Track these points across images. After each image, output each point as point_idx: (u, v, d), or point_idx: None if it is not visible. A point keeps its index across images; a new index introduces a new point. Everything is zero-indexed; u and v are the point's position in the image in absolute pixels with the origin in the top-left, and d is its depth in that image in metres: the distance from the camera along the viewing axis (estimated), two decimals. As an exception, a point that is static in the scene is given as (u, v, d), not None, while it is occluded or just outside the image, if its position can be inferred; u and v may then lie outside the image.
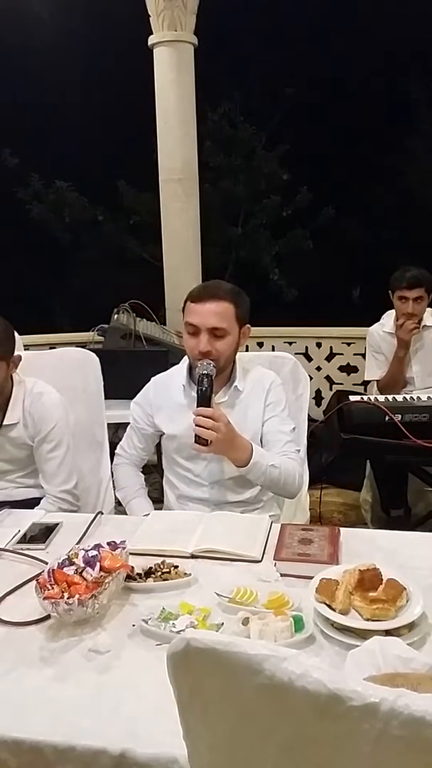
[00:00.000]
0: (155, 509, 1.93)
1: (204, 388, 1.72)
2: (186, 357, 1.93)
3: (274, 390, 1.92)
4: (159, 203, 4.89)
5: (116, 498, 2.11)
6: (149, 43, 4.62)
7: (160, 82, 4.65)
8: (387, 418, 2.39)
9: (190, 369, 1.92)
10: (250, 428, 1.84)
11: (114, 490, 2.12)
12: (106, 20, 9.47)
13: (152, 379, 2.02)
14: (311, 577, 1.25)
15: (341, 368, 4.90)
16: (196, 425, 1.66)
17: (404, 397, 2.58)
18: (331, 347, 4.91)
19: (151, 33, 4.60)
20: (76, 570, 1.25)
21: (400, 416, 2.39)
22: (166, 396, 1.95)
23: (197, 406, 1.71)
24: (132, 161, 9.21)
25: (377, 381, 3.22)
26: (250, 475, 1.78)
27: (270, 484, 1.82)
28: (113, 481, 2.12)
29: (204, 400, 1.71)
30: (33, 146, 10.75)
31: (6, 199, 10.83)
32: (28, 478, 2.06)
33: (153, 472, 2.66)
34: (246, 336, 1.87)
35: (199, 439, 1.66)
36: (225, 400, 1.87)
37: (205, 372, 1.74)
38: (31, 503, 1.98)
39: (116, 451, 2.11)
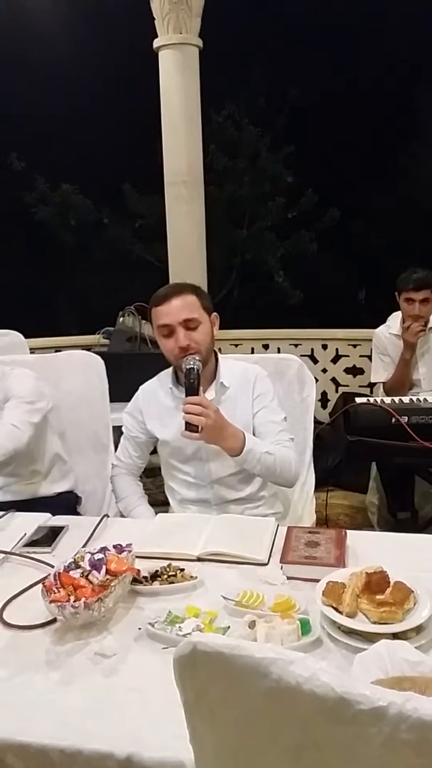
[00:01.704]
0: (161, 512, 1.93)
1: (192, 380, 1.72)
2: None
3: (260, 381, 1.92)
4: (164, 206, 4.89)
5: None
6: (154, 45, 4.64)
7: (165, 84, 4.67)
8: (393, 420, 2.38)
9: (176, 373, 1.92)
10: (241, 422, 1.83)
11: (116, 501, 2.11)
12: (111, 24, 9.51)
13: (140, 387, 2.02)
14: (318, 580, 1.25)
15: (347, 370, 4.88)
16: (186, 413, 1.65)
17: (410, 399, 2.57)
18: (336, 349, 4.89)
19: (156, 36, 4.62)
20: (83, 573, 1.25)
21: (406, 418, 2.38)
22: (155, 402, 1.95)
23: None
24: (137, 164, 9.21)
25: (383, 383, 3.21)
26: (245, 464, 1.77)
27: (266, 473, 1.81)
28: (113, 492, 2.11)
29: (192, 391, 1.71)
30: (39, 150, 10.78)
31: (12, 202, 10.88)
32: (24, 467, 2.06)
33: (159, 474, 2.65)
34: (216, 324, 1.88)
35: (189, 426, 1.65)
36: (213, 398, 1.86)
37: (191, 366, 1.74)
38: (35, 504, 1.98)
39: (113, 462, 2.11)
